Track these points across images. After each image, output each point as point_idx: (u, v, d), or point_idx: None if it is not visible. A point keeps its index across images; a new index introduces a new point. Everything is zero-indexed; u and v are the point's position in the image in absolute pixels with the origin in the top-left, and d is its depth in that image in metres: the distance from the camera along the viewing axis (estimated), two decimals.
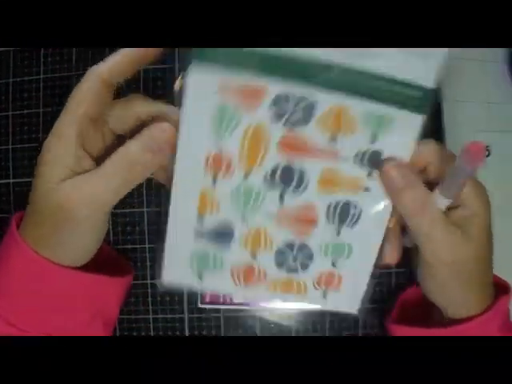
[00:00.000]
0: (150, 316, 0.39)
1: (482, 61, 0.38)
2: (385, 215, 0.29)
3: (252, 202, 0.28)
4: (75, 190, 0.27)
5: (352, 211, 0.29)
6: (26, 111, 0.40)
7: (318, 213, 0.29)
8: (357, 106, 0.26)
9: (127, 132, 0.29)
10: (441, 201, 0.28)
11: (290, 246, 0.29)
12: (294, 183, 0.28)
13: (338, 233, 0.29)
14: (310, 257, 0.30)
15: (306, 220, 0.29)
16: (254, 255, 0.29)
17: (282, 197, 0.28)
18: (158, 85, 0.40)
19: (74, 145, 0.27)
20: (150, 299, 0.39)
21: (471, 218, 0.29)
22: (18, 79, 0.40)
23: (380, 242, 0.29)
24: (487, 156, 0.39)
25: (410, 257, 0.34)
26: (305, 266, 0.30)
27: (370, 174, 0.28)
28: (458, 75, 0.39)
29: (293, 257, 0.30)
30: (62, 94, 0.40)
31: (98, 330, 0.33)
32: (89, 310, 0.32)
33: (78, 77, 0.39)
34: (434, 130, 0.39)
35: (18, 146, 0.40)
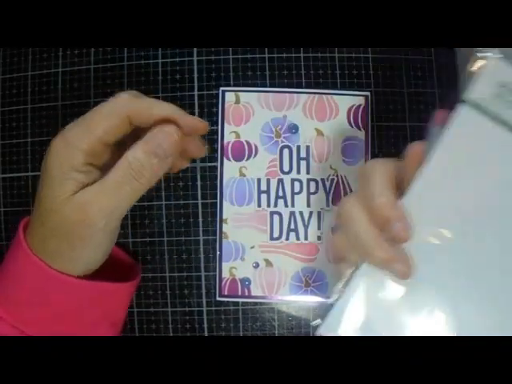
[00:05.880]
0: (169, 309, 0.40)
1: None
2: None
3: None
4: (90, 203, 0.26)
5: None
6: (44, 104, 0.40)
7: None
8: None
9: (127, 139, 0.28)
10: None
11: None
12: None
13: None
14: None
15: None
16: None
17: None
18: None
19: (83, 158, 0.26)
20: (168, 292, 0.40)
21: None
22: (37, 73, 0.40)
23: None
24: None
25: None
26: None
27: None
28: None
29: None
30: (80, 88, 0.40)
31: (104, 331, 0.33)
32: (95, 315, 0.32)
33: (96, 72, 0.39)
34: None
35: (37, 139, 0.40)
